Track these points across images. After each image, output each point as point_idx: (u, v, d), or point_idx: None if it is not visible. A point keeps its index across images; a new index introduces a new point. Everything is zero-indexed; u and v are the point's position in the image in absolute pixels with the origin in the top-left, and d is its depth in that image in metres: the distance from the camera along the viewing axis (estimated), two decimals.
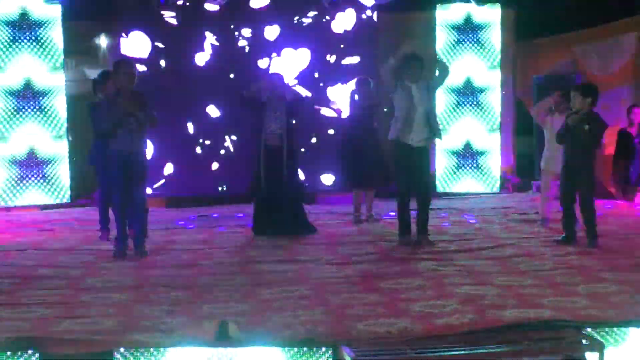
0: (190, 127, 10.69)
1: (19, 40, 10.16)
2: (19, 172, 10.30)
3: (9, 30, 10.11)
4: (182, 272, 5.98)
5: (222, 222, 8.88)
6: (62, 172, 10.48)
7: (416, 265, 6.05)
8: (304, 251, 6.82)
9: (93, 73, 10.37)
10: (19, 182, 10.32)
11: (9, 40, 10.11)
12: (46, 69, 10.28)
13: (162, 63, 10.57)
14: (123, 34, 10.39)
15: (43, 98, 10.29)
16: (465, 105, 11.11)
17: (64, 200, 10.50)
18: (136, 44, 10.46)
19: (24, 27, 10.15)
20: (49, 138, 10.38)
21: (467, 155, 11.17)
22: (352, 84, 8.85)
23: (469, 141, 11.16)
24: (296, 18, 10.70)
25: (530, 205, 9.41)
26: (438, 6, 11.06)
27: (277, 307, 4.78)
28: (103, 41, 10.81)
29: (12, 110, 10.19)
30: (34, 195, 10.35)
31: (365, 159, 8.18)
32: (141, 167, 6.66)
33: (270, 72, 8.17)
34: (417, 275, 5.63)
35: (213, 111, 10.69)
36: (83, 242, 7.52)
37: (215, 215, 9.55)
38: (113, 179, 6.65)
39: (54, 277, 5.80)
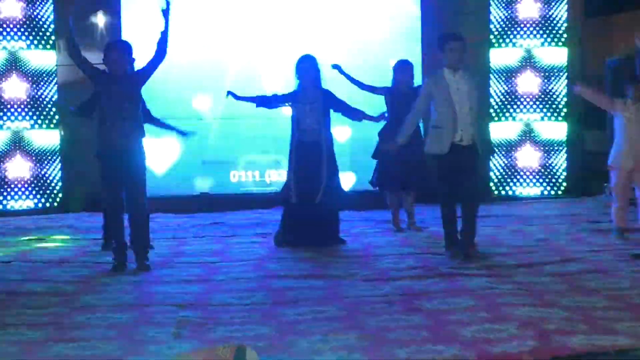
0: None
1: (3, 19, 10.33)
2: (1, 170, 10.45)
3: None
4: (192, 288, 6.02)
5: (239, 230, 8.92)
6: (53, 172, 10.61)
7: (466, 282, 6.02)
8: (335, 265, 6.83)
9: (89, 57, 10.53)
10: (1, 182, 10.46)
11: None
12: (35, 51, 10.43)
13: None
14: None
15: (32, 83, 10.43)
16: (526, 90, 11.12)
17: (55, 204, 10.64)
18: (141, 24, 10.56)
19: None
20: (38, 131, 10.52)
21: (528, 152, 11.13)
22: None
23: (530, 133, 11.12)
24: None
25: (603, 212, 9.32)
26: None
27: (303, 330, 4.78)
28: (101, 20, 10.92)
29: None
30: (19, 197, 10.49)
31: (404, 156, 8.12)
32: (139, 164, 6.72)
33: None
34: (468, 294, 5.60)
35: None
36: (78, 254, 7.60)
37: (230, 222, 9.61)
38: (106, 180, 6.72)
39: (44, 294, 5.86)
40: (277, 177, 10.63)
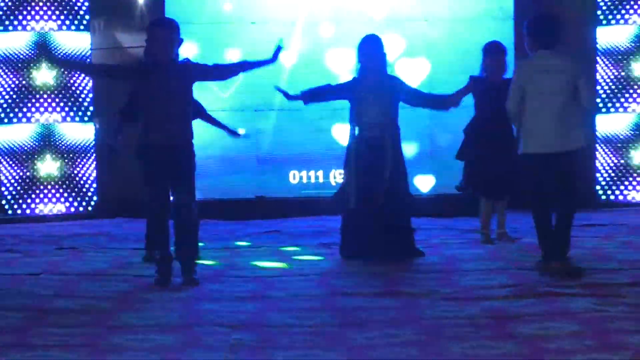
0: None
1: None
2: (30, 170, 10.65)
3: None
4: (246, 306, 6.04)
5: (299, 240, 8.94)
6: (87, 171, 10.78)
7: (568, 303, 5.93)
8: (411, 281, 6.79)
9: (127, 39, 10.72)
10: (29, 183, 10.68)
11: None
12: (67, 33, 10.62)
13: None
14: None
15: (62, 70, 10.62)
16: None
17: (90, 209, 10.81)
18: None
19: None
20: (70, 124, 10.71)
21: None
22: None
23: None
24: None
25: None
26: None
27: (375, 356, 4.76)
28: None
29: (21, 85, 10.56)
30: (49, 201, 10.69)
31: (496, 158, 8.03)
32: (188, 164, 6.78)
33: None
34: (570, 317, 5.52)
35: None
36: (115, 266, 7.71)
37: (290, 230, 9.64)
38: (150, 182, 6.79)
39: (77, 311, 5.94)
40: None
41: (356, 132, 7.75)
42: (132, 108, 7.24)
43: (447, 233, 9.13)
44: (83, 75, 6.94)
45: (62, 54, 10.07)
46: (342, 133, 9.50)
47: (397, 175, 7.72)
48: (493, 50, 8.29)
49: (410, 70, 10.46)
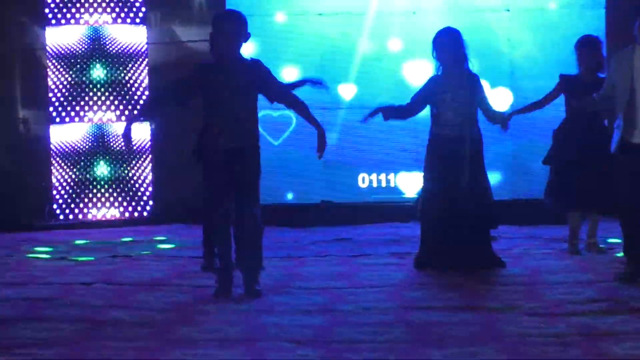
0: None
1: None
2: (83, 173, 10.80)
3: None
4: (312, 320, 6.04)
5: (369, 248, 8.92)
6: (142, 174, 10.90)
7: None
8: (492, 294, 6.75)
9: (185, 33, 10.81)
10: (82, 187, 10.83)
11: None
12: (122, 26, 10.77)
13: None
14: None
15: (118, 65, 10.75)
16: None
17: (145, 214, 10.92)
18: None
19: None
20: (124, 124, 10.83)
21: None
22: None
23: None
24: None
25: None
26: None
27: None
28: None
29: (74, 82, 10.74)
30: (102, 206, 10.83)
31: (588, 164, 7.91)
32: (252, 167, 6.80)
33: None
34: None
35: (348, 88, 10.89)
36: (172, 275, 7.78)
37: (359, 238, 9.64)
38: (211, 186, 6.83)
39: (132, 324, 6.00)
40: (419, 181, 10.58)
41: (434, 132, 7.72)
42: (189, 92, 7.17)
43: (530, 242, 9.04)
44: (160, 111, 6.92)
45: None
46: (418, 132, 9.46)
47: (476, 179, 7.66)
48: (589, 45, 8.13)
49: (490, 65, 10.39)
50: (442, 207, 7.65)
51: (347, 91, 10.81)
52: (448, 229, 7.64)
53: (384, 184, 10.94)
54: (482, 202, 7.73)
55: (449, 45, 7.69)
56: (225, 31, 6.70)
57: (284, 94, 6.96)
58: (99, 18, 10.74)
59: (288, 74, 10.48)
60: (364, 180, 10.98)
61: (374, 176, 10.98)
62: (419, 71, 9.90)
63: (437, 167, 7.68)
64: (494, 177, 8.66)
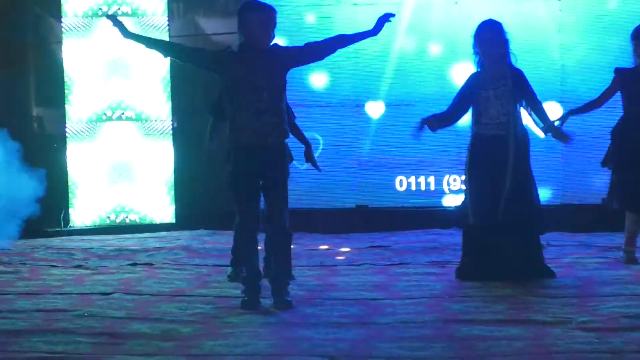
0: None
1: None
2: (101, 175, 10.88)
3: None
4: (347, 333, 6.03)
5: (407, 257, 8.92)
6: (163, 176, 10.95)
7: None
8: (541, 306, 6.71)
9: (209, 25, 10.85)
10: (100, 190, 10.90)
11: None
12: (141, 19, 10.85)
13: None
14: None
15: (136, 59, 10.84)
16: None
17: (166, 219, 10.97)
18: None
19: None
20: (144, 125, 10.91)
21: None
22: None
23: None
24: None
25: None
26: None
27: None
28: None
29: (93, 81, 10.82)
30: (121, 210, 10.89)
31: None
32: (280, 170, 6.80)
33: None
34: None
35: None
36: (196, 285, 7.80)
37: (397, 245, 9.63)
38: (237, 190, 6.83)
39: (154, 337, 6.01)
40: (461, 185, 10.58)
41: (476, 132, 7.69)
42: (222, 104, 7.28)
43: (583, 250, 9.02)
44: (158, 53, 6.90)
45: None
46: (458, 132, 9.45)
47: (522, 182, 7.63)
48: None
49: (539, 57, 10.37)
50: (486, 213, 7.62)
51: (383, 87, 10.80)
52: (493, 237, 7.61)
53: (423, 188, 10.92)
54: (528, 207, 7.71)
55: (491, 39, 7.68)
56: (253, 23, 6.70)
57: (316, 47, 6.88)
58: (119, 9, 10.79)
59: (317, 67, 10.50)
60: (401, 183, 10.97)
61: (412, 179, 10.96)
62: (460, 65, 9.88)
63: (480, 169, 7.66)
64: (541, 180, 8.61)
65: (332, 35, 7.10)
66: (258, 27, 6.68)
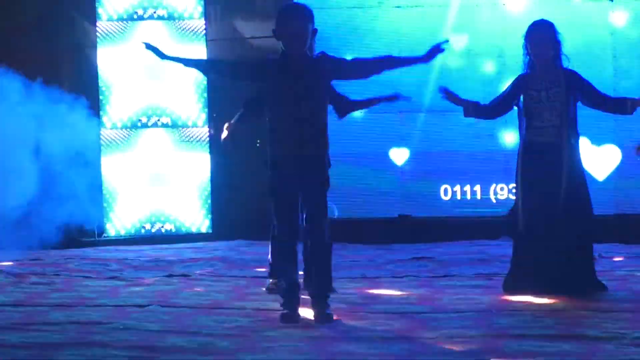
0: None
1: None
2: (137, 183, 10.93)
3: None
4: (391, 348, 6.00)
5: (453, 269, 8.89)
6: (199, 185, 10.98)
7: None
8: (593, 321, 6.65)
9: (248, 29, 10.88)
10: (136, 199, 10.96)
11: None
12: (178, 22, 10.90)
13: None
14: None
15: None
16: None
17: (203, 230, 10.99)
18: None
19: None
20: (180, 132, 10.95)
21: None
22: None
23: None
24: None
25: None
26: None
27: None
28: None
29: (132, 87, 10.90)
30: (157, 220, 10.93)
31: None
32: (321, 178, 6.79)
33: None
34: None
35: None
36: (234, 297, 7.81)
37: (442, 257, 9.62)
38: (276, 200, 6.82)
39: (191, 350, 6.01)
40: (508, 194, 10.53)
41: (526, 137, 7.64)
42: (259, 102, 7.30)
43: (636, 263, 8.95)
44: (198, 72, 6.98)
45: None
46: (507, 138, 9.41)
47: (576, 190, 7.57)
48: None
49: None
50: (536, 223, 7.57)
51: (426, 92, 10.76)
52: (544, 247, 7.56)
53: (469, 197, 10.90)
54: (583, 216, 7.65)
55: (542, 40, 7.63)
56: (291, 29, 6.69)
57: (363, 65, 6.89)
58: (154, 13, 10.84)
59: None
60: (446, 192, 10.95)
61: (457, 188, 10.93)
62: (509, 69, 9.83)
63: (532, 177, 7.61)
64: (593, 188, 8.58)
65: (378, 46, 7.13)
66: (294, 34, 6.65)
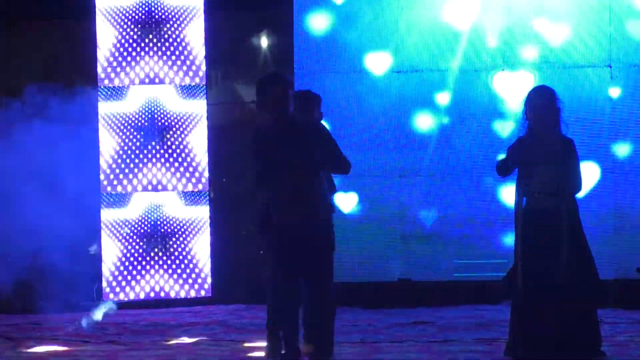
0: None
1: (142, 44, 10.95)
2: (134, 247, 10.95)
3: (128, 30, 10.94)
4: None
5: (452, 334, 8.90)
6: (200, 249, 11.00)
7: None
8: None
9: (248, 93, 10.95)
10: (133, 263, 10.97)
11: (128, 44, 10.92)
12: (178, 87, 10.97)
13: None
14: None
15: (174, 132, 10.93)
16: None
17: (203, 293, 10.98)
18: None
19: (148, 25, 10.91)
20: (180, 194, 10.97)
21: None
22: None
23: None
24: None
25: None
26: None
27: None
28: (264, 42, 11.30)
29: (128, 151, 10.97)
30: (155, 283, 10.92)
31: None
32: (325, 245, 6.78)
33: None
34: None
35: None
36: None
37: (441, 321, 9.61)
38: (276, 263, 6.83)
39: None
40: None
41: (525, 201, 7.66)
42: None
43: (637, 328, 8.92)
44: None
45: None
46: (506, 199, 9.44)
47: (578, 255, 7.56)
48: None
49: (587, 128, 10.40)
50: (538, 286, 7.55)
51: (426, 157, 10.83)
52: (542, 313, 7.54)
53: (469, 259, 10.87)
54: (585, 280, 7.61)
55: (541, 105, 7.67)
56: (269, 92, 6.72)
57: (337, 164, 6.89)
58: (155, 78, 10.92)
59: (359, 137, 10.60)
60: (447, 255, 10.93)
61: (457, 251, 10.92)
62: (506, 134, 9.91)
63: (531, 241, 7.61)
64: (592, 253, 8.60)
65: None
66: (275, 101, 6.68)
